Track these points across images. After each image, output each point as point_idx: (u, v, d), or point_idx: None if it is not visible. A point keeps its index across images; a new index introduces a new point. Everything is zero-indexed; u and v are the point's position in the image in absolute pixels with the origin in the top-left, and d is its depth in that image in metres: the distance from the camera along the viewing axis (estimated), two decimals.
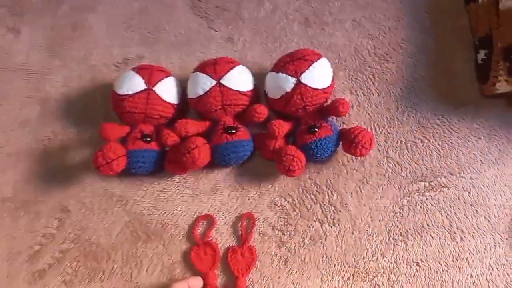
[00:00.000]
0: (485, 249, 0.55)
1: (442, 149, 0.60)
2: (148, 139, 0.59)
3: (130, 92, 0.58)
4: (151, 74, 0.59)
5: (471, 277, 0.55)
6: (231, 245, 0.58)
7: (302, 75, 0.56)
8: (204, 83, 0.58)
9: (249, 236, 0.58)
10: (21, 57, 0.71)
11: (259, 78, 0.62)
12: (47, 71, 0.70)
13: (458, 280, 0.55)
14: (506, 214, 0.57)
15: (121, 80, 0.59)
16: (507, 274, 0.54)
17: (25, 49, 0.71)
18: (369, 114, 0.63)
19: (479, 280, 0.54)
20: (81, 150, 0.64)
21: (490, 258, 0.55)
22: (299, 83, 0.56)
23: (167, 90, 0.60)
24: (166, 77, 0.60)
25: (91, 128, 0.65)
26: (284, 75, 0.56)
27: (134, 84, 0.58)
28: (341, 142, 0.57)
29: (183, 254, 0.59)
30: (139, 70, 0.60)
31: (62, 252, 0.60)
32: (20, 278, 0.59)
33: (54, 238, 0.61)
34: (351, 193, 0.59)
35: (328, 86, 0.57)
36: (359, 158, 0.60)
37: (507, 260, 0.55)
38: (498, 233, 0.56)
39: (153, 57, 0.69)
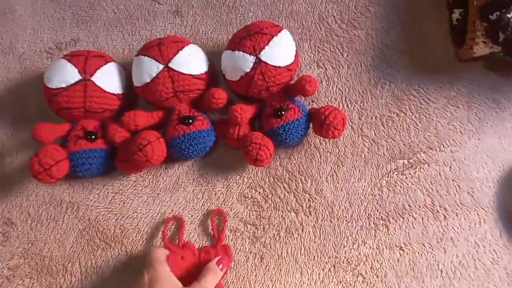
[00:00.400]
0: (469, 226, 0.52)
1: (419, 122, 0.56)
2: (93, 136, 0.51)
3: (63, 85, 0.50)
4: (87, 61, 0.51)
5: (457, 257, 0.52)
6: (202, 245, 0.53)
7: (262, 52, 0.49)
8: (150, 69, 0.50)
9: (221, 235, 0.53)
10: None
11: (215, 56, 0.55)
12: None
13: (444, 261, 0.52)
14: (489, 187, 0.53)
15: (50, 71, 0.51)
16: (494, 250, 0.52)
17: None
18: (339, 89, 0.57)
19: (466, 259, 0.52)
20: (19, 153, 0.58)
21: (476, 235, 0.52)
22: (258, 61, 0.49)
23: (108, 79, 0.52)
24: (105, 63, 0.53)
25: (27, 127, 0.57)
26: (241, 53, 0.50)
27: (67, 75, 0.50)
28: (311, 124, 0.52)
29: None
30: (72, 57, 0.52)
31: (11, 269, 0.54)
32: None
33: (0, 254, 0.55)
34: (326, 177, 0.55)
35: (292, 63, 0.51)
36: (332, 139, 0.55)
37: (492, 236, 0.52)
38: (482, 208, 0.53)
39: (90, 39, 0.60)
